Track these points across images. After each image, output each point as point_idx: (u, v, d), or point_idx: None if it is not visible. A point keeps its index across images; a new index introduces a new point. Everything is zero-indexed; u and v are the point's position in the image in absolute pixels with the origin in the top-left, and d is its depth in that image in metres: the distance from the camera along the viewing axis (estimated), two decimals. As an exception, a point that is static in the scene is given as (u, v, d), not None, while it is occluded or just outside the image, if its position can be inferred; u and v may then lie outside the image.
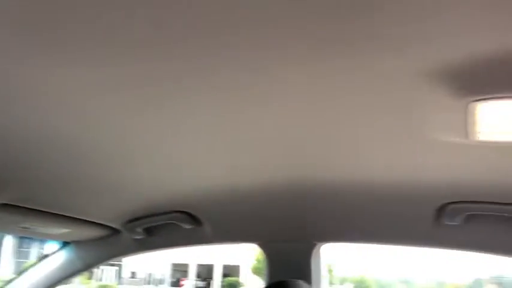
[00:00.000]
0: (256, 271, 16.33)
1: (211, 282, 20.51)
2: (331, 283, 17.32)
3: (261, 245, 1.67)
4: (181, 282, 20.61)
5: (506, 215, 1.30)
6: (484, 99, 0.72)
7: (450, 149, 0.97)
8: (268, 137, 1.05)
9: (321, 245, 1.65)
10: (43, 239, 1.91)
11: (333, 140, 1.02)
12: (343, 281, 18.46)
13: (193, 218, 1.60)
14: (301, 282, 1.38)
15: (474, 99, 0.72)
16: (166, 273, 21.56)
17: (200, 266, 21.06)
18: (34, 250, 16.56)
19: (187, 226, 1.63)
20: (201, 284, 20.73)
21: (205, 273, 20.94)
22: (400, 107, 0.82)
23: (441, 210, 1.34)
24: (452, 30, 0.61)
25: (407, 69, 0.69)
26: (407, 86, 0.74)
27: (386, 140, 0.99)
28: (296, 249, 1.62)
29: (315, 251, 1.62)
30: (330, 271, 17.89)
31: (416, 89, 0.74)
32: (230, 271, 20.14)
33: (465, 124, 0.81)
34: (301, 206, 1.48)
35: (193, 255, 19.39)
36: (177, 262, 21.03)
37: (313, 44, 0.66)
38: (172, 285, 20.70)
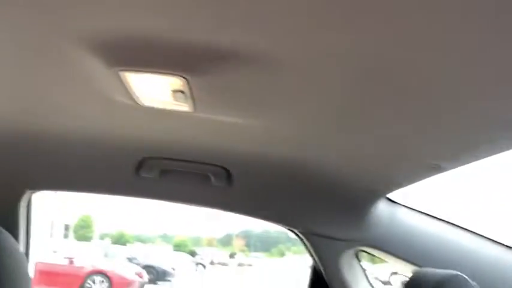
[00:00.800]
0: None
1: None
2: (91, 238, 17.06)
3: None
4: None
5: (193, 171, 1.56)
6: (131, 70, 0.86)
7: (133, 110, 1.11)
8: None
9: (32, 193, 1.66)
10: None
11: (31, 89, 1.07)
12: (103, 237, 18.33)
13: None
14: None
15: (122, 69, 0.85)
16: None
17: None
18: None
19: None
20: None
21: None
22: (67, 68, 0.92)
23: (140, 164, 1.51)
24: (101, 4, 0.69)
25: (67, 34, 0.78)
26: (70, 50, 0.83)
27: (77, 96, 1.08)
28: (2, 197, 1.59)
29: (24, 198, 1.62)
30: (89, 226, 17.56)
31: (76, 53, 0.83)
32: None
33: (128, 91, 0.94)
34: (7, 152, 1.47)
35: None
36: None
37: None
38: None
